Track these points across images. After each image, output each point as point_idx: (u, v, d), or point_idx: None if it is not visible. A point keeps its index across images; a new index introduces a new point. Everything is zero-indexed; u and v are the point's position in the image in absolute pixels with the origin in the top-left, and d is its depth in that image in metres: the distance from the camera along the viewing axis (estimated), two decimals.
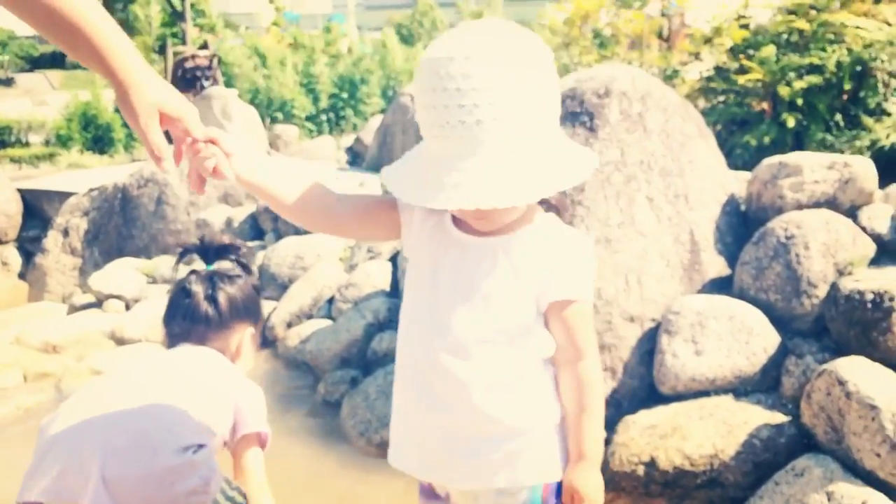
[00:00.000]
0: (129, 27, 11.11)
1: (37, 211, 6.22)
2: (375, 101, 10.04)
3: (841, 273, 2.35)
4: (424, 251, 1.32)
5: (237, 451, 1.75)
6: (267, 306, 3.46)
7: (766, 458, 2.09)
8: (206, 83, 7.63)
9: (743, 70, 4.38)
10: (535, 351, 1.29)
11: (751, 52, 4.49)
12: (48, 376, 3.34)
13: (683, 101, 2.78)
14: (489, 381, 1.27)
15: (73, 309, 4.32)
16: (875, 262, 2.41)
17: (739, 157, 4.18)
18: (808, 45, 4.23)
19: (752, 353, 2.30)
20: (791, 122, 4.07)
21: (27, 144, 12.00)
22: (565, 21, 6.34)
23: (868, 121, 3.77)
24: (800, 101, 4.09)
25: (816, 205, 2.55)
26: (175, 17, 9.28)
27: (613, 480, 2.17)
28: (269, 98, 9.74)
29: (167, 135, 1.27)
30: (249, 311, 1.98)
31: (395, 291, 3.33)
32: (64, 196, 5.91)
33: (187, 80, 7.60)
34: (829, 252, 2.36)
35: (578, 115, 2.57)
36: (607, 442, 2.28)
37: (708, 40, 5.04)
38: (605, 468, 2.18)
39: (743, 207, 2.80)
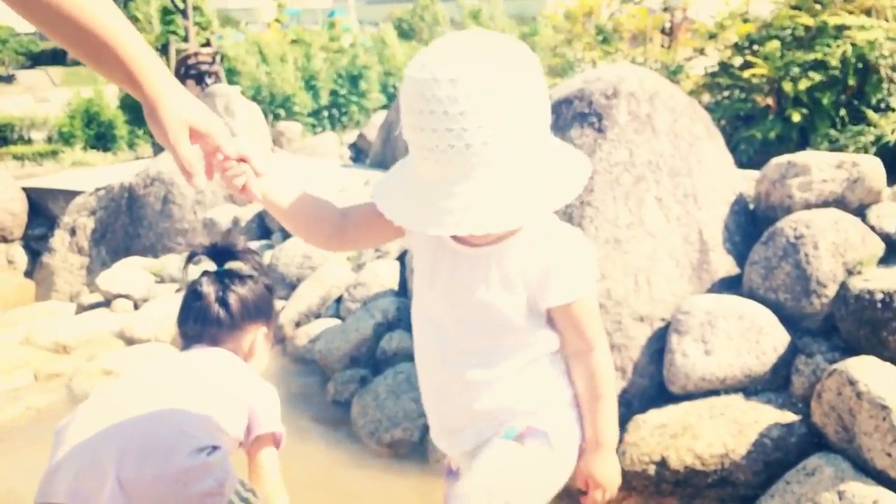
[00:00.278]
0: None
1: (42, 209, 6.23)
2: (375, 96, 10.03)
3: (850, 272, 2.36)
4: (422, 256, 1.35)
5: (252, 451, 1.77)
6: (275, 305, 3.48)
7: (776, 458, 2.10)
8: (209, 80, 7.64)
9: (747, 65, 4.38)
10: (539, 348, 1.32)
11: (755, 47, 4.50)
12: (59, 376, 3.36)
13: (691, 101, 2.79)
14: (494, 380, 1.31)
15: (82, 308, 4.33)
16: (884, 261, 2.42)
17: (744, 153, 4.19)
18: (812, 41, 4.23)
19: (762, 352, 2.32)
20: (796, 118, 4.07)
21: (30, 142, 12.01)
22: (567, 17, 6.33)
23: (873, 116, 3.77)
24: (804, 97, 4.10)
25: (825, 204, 2.56)
26: (178, 13, 9.26)
27: (625, 480, 2.16)
28: (271, 94, 9.74)
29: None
30: (261, 310, 1.98)
31: (403, 291, 3.35)
32: (69, 195, 5.93)
33: (191, 77, 7.59)
34: (838, 251, 2.37)
35: (587, 115, 2.58)
36: (618, 442, 2.29)
37: (712, 36, 5.03)
38: None
39: (751, 206, 2.81)
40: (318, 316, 3.50)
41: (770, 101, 4.33)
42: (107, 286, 4.28)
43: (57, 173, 7.94)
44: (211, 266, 1.99)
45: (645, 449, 2.22)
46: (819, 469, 1.98)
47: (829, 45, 4.05)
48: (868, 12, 4.12)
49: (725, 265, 2.62)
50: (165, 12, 10.19)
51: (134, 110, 10.70)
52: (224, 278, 1.93)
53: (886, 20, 4.03)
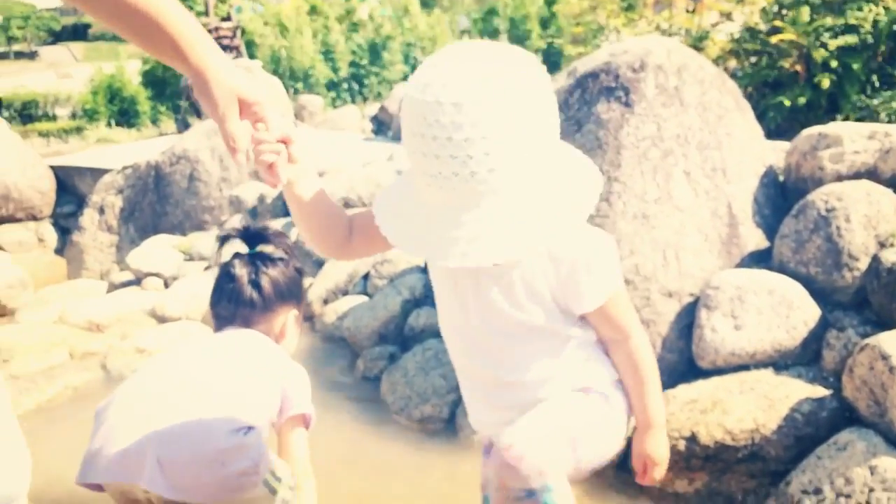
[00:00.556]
0: None
1: (70, 187, 6.31)
2: (398, 67, 9.98)
3: (882, 245, 2.34)
4: (440, 275, 1.35)
5: (283, 431, 1.81)
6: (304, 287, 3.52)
7: (807, 432, 2.10)
8: (230, 55, 7.63)
9: (775, 31, 4.30)
10: (577, 341, 1.34)
11: (783, 12, 4.40)
12: (94, 355, 3.42)
13: (720, 73, 2.75)
14: (536, 378, 1.33)
15: (113, 287, 4.40)
16: None
17: (772, 120, 4.13)
18: (843, 5, 4.13)
19: (793, 326, 2.31)
20: (825, 84, 4.00)
21: (54, 118, 12.12)
22: None
23: None
24: (834, 63, 4.02)
25: (857, 175, 2.52)
26: None
27: None
28: (290, 68, 9.72)
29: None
30: (292, 293, 2.02)
31: None
32: (96, 172, 6.00)
33: None
34: (870, 224, 2.34)
35: (613, 90, 2.56)
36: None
37: (739, 0, 4.94)
38: None
39: (781, 179, 2.78)
40: (345, 293, 3.53)
41: (798, 67, 4.25)
42: (137, 264, 4.34)
43: (83, 151, 8.02)
44: (242, 248, 2.01)
45: (675, 424, 2.23)
46: (850, 444, 1.98)
47: (860, 10, 3.96)
48: None
49: (755, 239, 2.60)
50: None
51: (156, 86, 10.75)
52: (256, 260, 1.96)
53: None
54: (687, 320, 2.43)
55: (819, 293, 2.38)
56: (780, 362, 2.32)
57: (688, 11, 5.58)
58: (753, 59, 4.63)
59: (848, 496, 1.87)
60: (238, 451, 1.61)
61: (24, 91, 12.63)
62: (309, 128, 7.32)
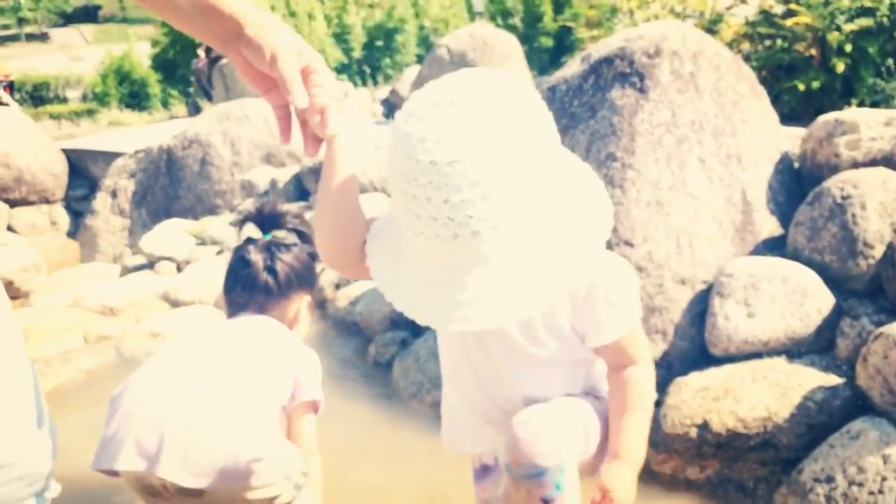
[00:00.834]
0: None
1: (82, 171, 6.33)
2: (412, 50, 9.95)
3: None
4: None
5: (293, 415, 1.83)
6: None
7: (820, 421, 2.10)
8: None
9: (790, 14, 4.26)
10: (588, 359, 1.33)
11: None
12: (108, 339, 3.45)
13: (736, 59, 2.72)
14: (547, 393, 1.32)
15: (126, 270, 4.43)
16: None
17: (786, 104, 4.10)
18: None
19: (807, 314, 2.30)
20: (840, 68, 3.96)
21: (65, 101, 12.14)
22: None
23: None
24: (849, 47, 3.98)
25: (873, 162, 2.50)
26: None
27: (665, 442, 2.21)
28: None
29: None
30: (306, 279, 2.03)
31: None
32: (108, 156, 6.01)
33: None
34: (886, 212, 2.33)
35: (628, 76, 2.54)
36: (658, 404, 2.31)
37: None
38: (657, 430, 2.22)
39: (797, 166, 2.76)
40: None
41: (813, 50, 4.22)
42: (150, 248, 4.36)
43: (94, 134, 8.04)
44: (255, 232, 2.02)
45: (686, 412, 2.23)
46: (863, 433, 1.98)
47: None
48: None
49: (769, 226, 2.58)
50: None
51: (166, 69, 10.74)
52: (271, 246, 1.96)
53: None
54: (699, 308, 2.43)
55: (833, 281, 2.37)
56: (794, 350, 2.31)
57: None
58: (768, 43, 4.59)
59: (860, 485, 1.88)
60: (251, 440, 1.63)
61: (36, 73, 12.67)
62: None
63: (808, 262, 2.40)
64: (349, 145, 1.18)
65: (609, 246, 2.47)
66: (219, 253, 4.06)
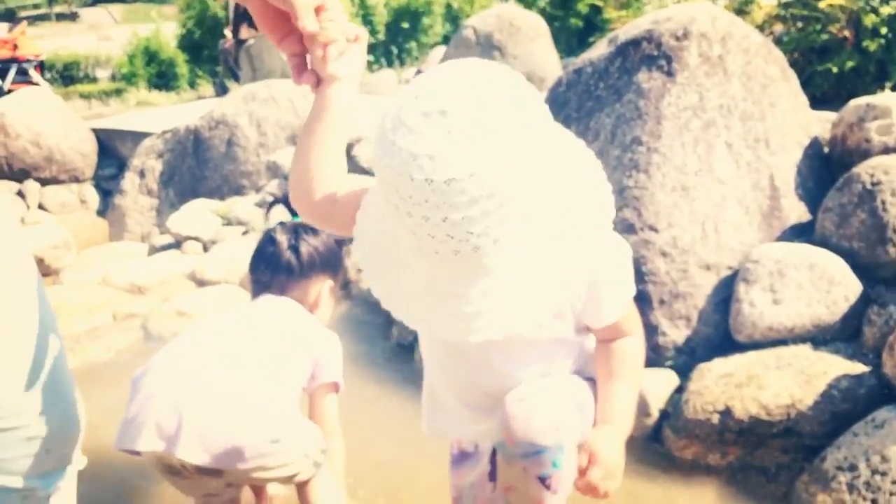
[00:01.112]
0: None
1: (110, 150, 6.40)
2: (438, 30, 9.90)
3: None
4: None
5: (314, 396, 1.87)
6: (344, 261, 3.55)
7: (844, 409, 2.08)
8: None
9: None
10: (576, 345, 1.32)
11: None
12: (136, 317, 3.50)
13: (766, 41, 2.68)
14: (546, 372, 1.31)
15: (154, 249, 4.48)
16: None
17: (819, 87, 4.03)
18: None
19: (833, 301, 2.27)
20: (873, 48, 3.89)
21: (95, 80, 12.26)
22: None
23: None
24: (884, 30, 3.90)
25: None
26: None
27: (687, 428, 2.20)
28: None
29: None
30: (329, 263, 2.05)
31: None
32: (136, 136, 6.07)
33: (247, 20, 7.58)
34: None
35: (655, 58, 2.51)
36: (681, 390, 2.30)
37: None
38: (680, 415, 2.22)
39: (826, 151, 2.72)
40: None
41: (847, 32, 4.13)
42: (177, 228, 4.40)
43: (123, 114, 8.12)
44: (284, 215, 2.05)
45: (709, 398, 2.22)
46: (888, 422, 1.96)
47: None
48: None
49: (797, 212, 2.55)
50: None
51: (193, 50, 10.80)
52: (298, 228, 2.00)
53: None
54: (724, 294, 2.41)
55: (861, 268, 2.34)
56: (819, 338, 2.29)
57: None
58: (800, 25, 4.51)
59: (884, 474, 1.86)
60: (269, 421, 1.65)
61: (66, 52, 12.78)
62: None
63: (837, 249, 2.37)
64: (347, 92, 1.14)
65: (633, 230, 2.46)
66: (244, 233, 4.09)
